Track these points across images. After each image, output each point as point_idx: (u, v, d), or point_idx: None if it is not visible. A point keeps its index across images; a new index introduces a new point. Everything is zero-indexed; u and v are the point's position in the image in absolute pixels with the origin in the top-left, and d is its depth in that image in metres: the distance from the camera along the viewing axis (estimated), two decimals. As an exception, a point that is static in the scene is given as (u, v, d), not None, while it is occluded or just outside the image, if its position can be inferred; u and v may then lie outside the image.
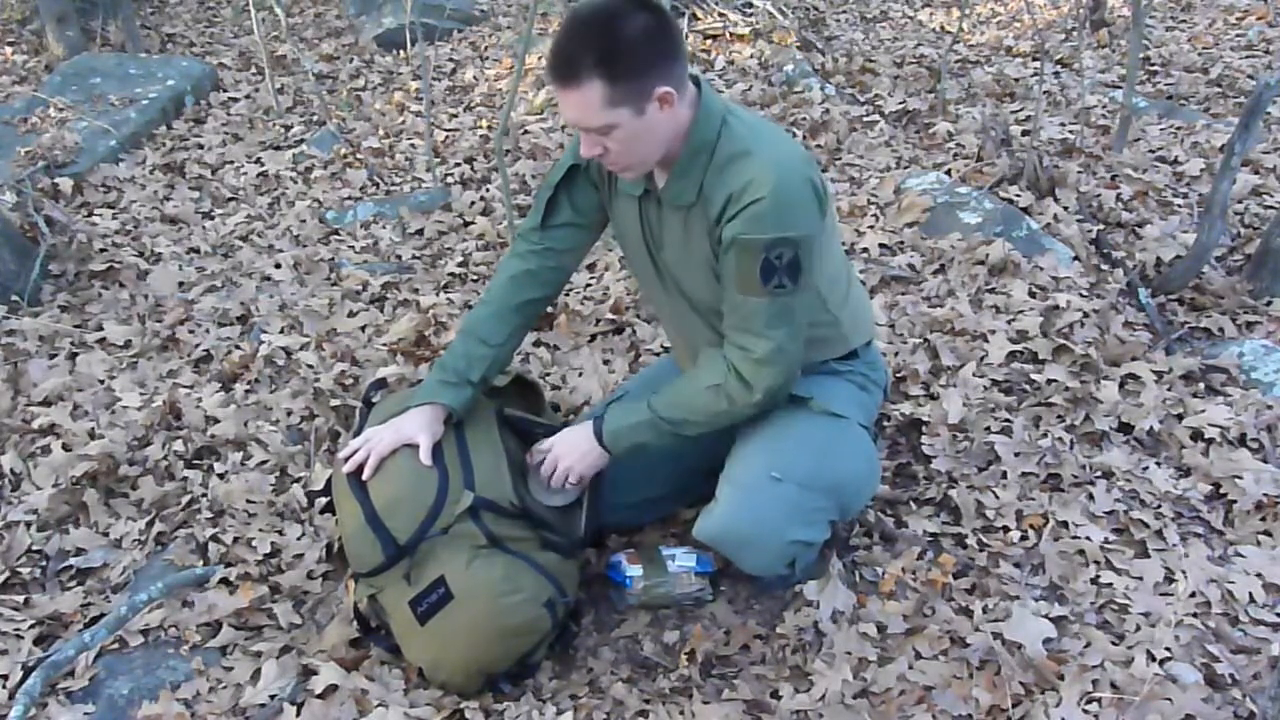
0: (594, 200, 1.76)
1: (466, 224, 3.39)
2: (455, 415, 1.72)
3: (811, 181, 1.52)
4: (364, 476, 1.64)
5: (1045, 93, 3.87)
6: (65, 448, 2.11)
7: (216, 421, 2.21)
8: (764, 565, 1.73)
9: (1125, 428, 2.12)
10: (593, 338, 2.60)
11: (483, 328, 1.76)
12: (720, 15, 5.00)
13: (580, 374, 2.42)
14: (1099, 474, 1.99)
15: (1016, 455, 2.03)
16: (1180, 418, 2.13)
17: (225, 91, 4.80)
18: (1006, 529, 1.88)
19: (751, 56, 4.63)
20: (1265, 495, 1.89)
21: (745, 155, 1.50)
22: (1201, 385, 2.27)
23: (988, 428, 2.11)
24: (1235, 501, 1.90)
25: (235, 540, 1.88)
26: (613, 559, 1.83)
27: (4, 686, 1.61)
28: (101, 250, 3.11)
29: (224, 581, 1.80)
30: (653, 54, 1.44)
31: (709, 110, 1.54)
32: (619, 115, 1.45)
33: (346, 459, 1.67)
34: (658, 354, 2.48)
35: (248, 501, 1.98)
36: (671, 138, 1.53)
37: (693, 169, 1.54)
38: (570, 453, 1.71)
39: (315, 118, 4.43)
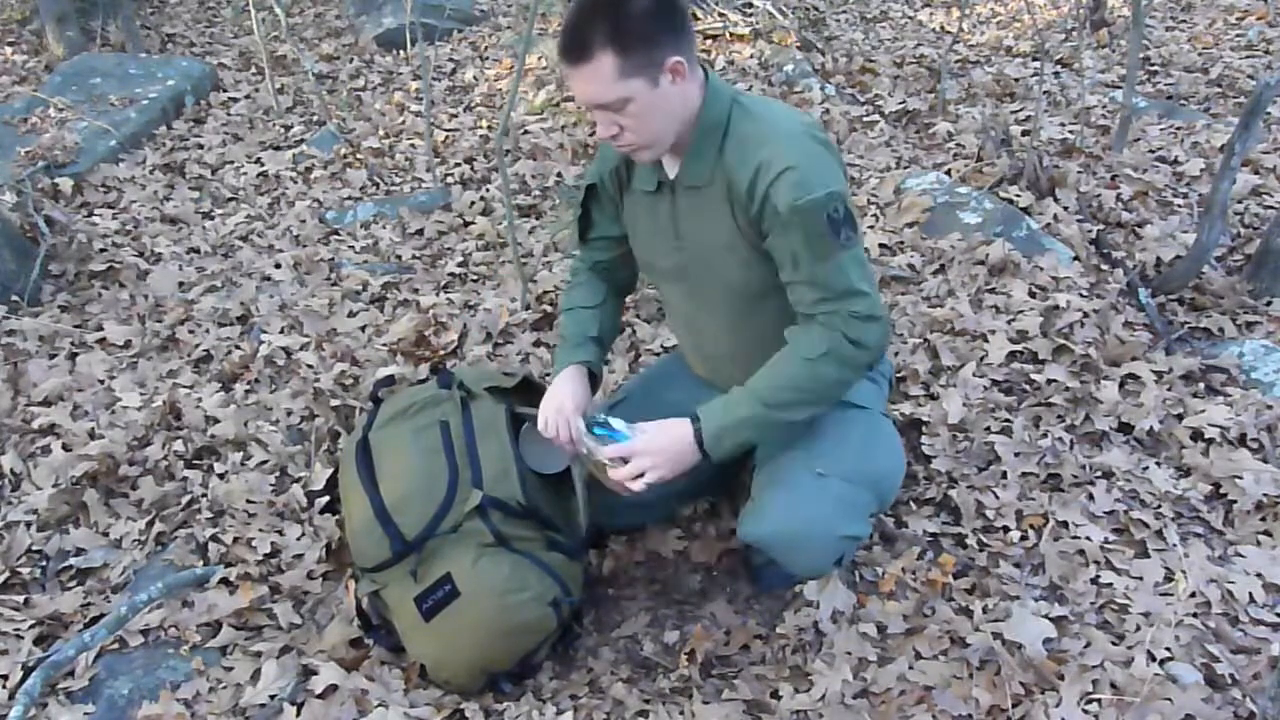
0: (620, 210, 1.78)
1: (466, 224, 3.39)
2: (594, 369, 1.76)
3: (827, 143, 1.55)
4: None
5: (1045, 93, 3.87)
6: (65, 448, 2.11)
7: (216, 421, 2.22)
8: (814, 564, 1.69)
9: (1125, 428, 2.12)
10: (593, 338, 2.59)
11: (579, 299, 1.83)
12: (720, 15, 5.00)
13: (580, 374, 2.41)
14: (1099, 474, 1.99)
15: (1016, 455, 2.03)
16: (1180, 418, 2.13)
17: (225, 91, 4.80)
18: (1006, 529, 1.88)
19: (751, 56, 4.63)
20: (1265, 495, 1.89)
21: (761, 131, 1.51)
22: (1201, 385, 2.26)
23: (988, 428, 2.11)
24: (1235, 501, 1.90)
25: (235, 540, 1.88)
26: (597, 417, 1.66)
27: (4, 686, 1.61)
28: (101, 250, 3.11)
29: (224, 581, 1.80)
30: (661, 24, 1.45)
31: (717, 93, 1.55)
32: (633, 87, 1.45)
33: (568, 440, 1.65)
34: (658, 354, 2.48)
35: (248, 501, 1.98)
36: (684, 116, 1.53)
37: (706, 149, 1.55)
38: (660, 456, 1.57)
39: (315, 118, 4.43)
